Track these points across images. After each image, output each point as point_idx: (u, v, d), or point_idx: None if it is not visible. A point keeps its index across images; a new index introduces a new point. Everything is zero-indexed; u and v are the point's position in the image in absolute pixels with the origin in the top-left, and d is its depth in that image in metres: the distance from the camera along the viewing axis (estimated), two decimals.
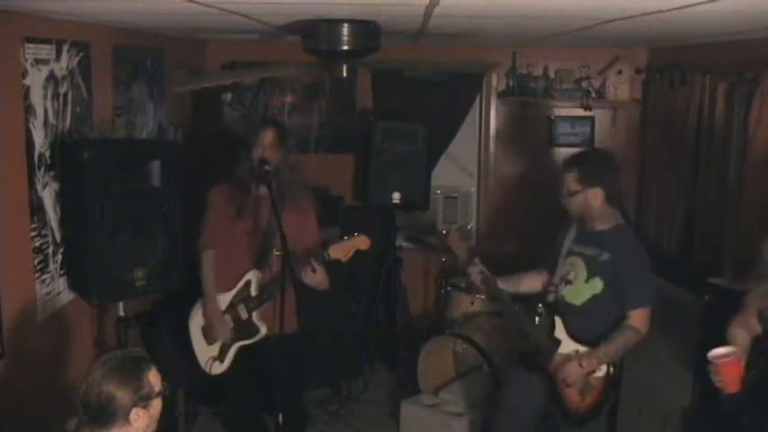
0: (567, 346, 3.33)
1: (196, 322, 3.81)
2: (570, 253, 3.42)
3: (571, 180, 3.31)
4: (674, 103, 4.92)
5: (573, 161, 3.39)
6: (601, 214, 3.32)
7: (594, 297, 3.30)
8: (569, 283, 3.38)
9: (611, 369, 3.31)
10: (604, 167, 3.37)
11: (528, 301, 3.60)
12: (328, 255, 3.47)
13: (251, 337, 3.66)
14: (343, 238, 3.52)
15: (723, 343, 2.88)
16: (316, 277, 3.50)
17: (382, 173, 5.25)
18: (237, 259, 3.72)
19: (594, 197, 3.28)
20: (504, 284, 3.59)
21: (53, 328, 3.29)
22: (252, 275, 3.65)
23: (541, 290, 3.59)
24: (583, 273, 3.34)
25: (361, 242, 3.49)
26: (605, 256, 3.28)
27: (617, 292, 3.26)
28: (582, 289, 3.33)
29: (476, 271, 3.56)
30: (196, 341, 3.80)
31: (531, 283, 3.64)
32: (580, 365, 3.25)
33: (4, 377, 2.87)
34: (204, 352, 3.77)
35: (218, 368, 3.73)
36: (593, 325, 3.30)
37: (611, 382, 3.33)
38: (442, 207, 5.97)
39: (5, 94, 2.87)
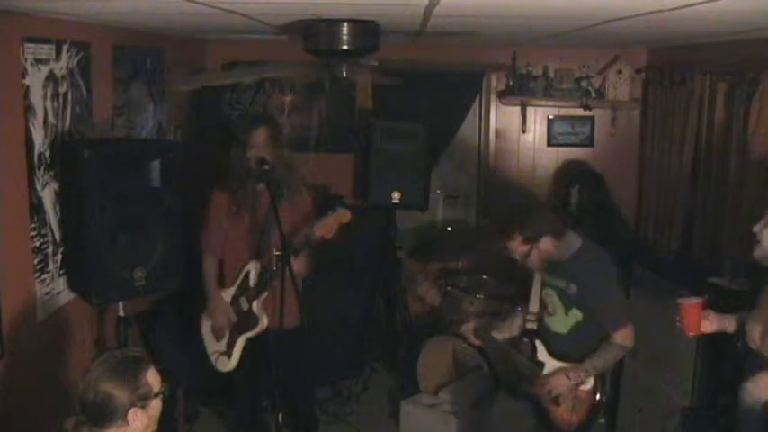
0: (551, 366, 3.39)
1: (207, 319, 3.89)
2: (544, 284, 3.47)
3: (518, 246, 3.32)
4: (673, 103, 4.91)
5: (510, 228, 3.36)
6: (559, 251, 3.35)
7: (578, 324, 3.36)
8: (551, 314, 3.44)
9: (598, 385, 3.34)
10: (539, 216, 3.39)
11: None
12: (313, 233, 3.55)
13: (253, 327, 3.69)
14: (327, 214, 3.57)
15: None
16: (296, 268, 3.56)
17: (382, 173, 5.24)
18: (238, 256, 3.79)
19: (546, 245, 3.32)
20: (498, 333, 3.68)
21: (53, 327, 3.29)
22: (250, 267, 3.72)
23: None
24: (560, 305, 3.40)
25: (342, 216, 3.55)
26: (573, 289, 3.33)
27: (597, 320, 3.32)
28: (564, 319, 3.39)
29: (470, 329, 3.70)
30: (206, 336, 3.89)
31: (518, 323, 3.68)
32: (567, 377, 3.29)
33: (3, 377, 2.87)
34: (213, 348, 3.86)
35: (226, 363, 3.78)
36: (582, 348, 3.34)
37: (599, 399, 3.36)
38: (442, 207, 5.97)
39: (5, 94, 2.87)
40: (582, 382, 3.30)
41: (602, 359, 3.28)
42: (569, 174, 5.47)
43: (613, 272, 3.39)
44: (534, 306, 3.51)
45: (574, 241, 3.37)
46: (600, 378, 3.34)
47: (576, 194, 4.99)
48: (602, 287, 3.31)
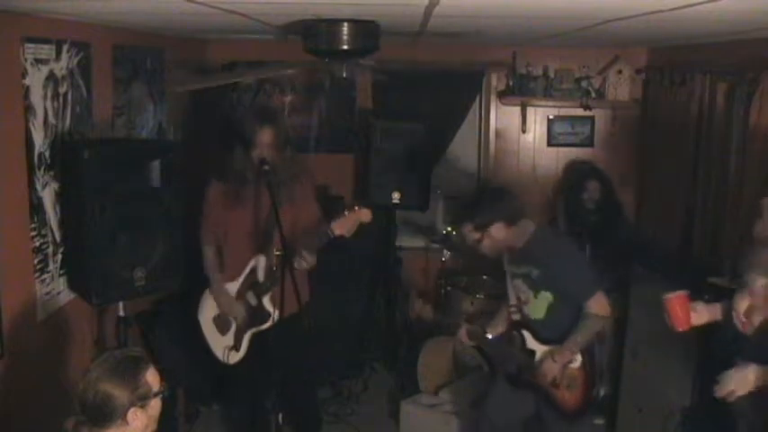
0: (542, 352, 3.43)
1: (206, 315, 3.85)
2: (512, 275, 3.52)
3: (469, 233, 3.39)
4: (673, 103, 4.91)
5: (461, 217, 3.46)
6: (513, 237, 3.39)
7: (552, 307, 3.39)
8: (525, 302, 3.48)
9: (587, 360, 3.39)
10: (489, 204, 3.41)
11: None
12: (332, 231, 3.49)
13: (264, 322, 3.67)
14: (344, 213, 3.52)
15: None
16: (306, 265, 3.58)
17: (382, 173, 5.24)
18: (241, 249, 3.76)
19: (498, 232, 3.35)
20: (493, 331, 3.68)
21: (53, 328, 3.29)
22: (257, 261, 3.69)
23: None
24: (529, 291, 3.44)
25: (363, 215, 3.50)
26: (535, 272, 3.37)
27: (567, 296, 3.35)
28: (537, 304, 3.43)
29: (463, 333, 3.68)
30: (209, 333, 3.84)
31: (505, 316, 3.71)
32: (554, 360, 3.35)
33: (3, 377, 2.87)
34: (219, 343, 3.81)
35: (235, 356, 3.76)
36: (562, 328, 3.38)
37: (591, 372, 3.41)
38: (442, 207, 5.97)
39: (5, 94, 2.87)
40: (570, 362, 3.36)
41: (581, 334, 3.32)
42: (583, 168, 5.44)
43: (573, 247, 3.44)
44: (512, 298, 3.56)
45: (527, 227, 3.42)
46: (587, 352, 3.38)
47: (594, 188, 5.00)
48: (561, 263, 3.35)
